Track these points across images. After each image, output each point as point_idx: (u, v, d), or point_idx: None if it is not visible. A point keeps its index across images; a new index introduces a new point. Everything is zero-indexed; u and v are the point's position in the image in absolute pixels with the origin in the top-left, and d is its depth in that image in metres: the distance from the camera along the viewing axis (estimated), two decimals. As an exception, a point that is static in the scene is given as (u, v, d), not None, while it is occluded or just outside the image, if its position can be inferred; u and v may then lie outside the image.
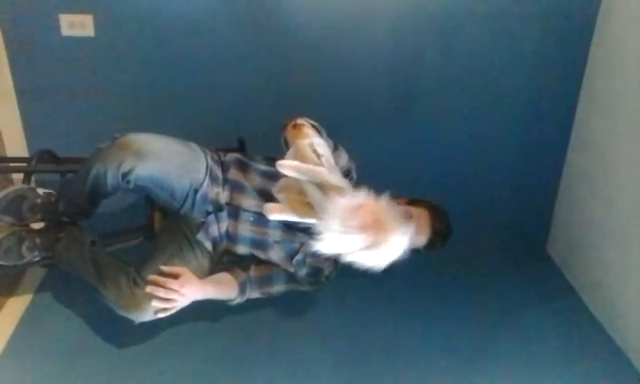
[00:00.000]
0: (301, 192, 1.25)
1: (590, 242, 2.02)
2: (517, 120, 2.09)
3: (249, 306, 1.63)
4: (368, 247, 1.08)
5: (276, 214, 1.30)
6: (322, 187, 1.18)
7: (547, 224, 2.30)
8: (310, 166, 1.21)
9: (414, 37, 1.95)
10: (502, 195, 2.22)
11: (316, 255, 1.63)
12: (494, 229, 2.27)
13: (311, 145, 1.30)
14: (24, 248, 1.57)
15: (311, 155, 1.26)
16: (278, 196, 1.31)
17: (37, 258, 1.60)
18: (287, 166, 1.21)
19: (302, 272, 1.64)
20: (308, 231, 1.62)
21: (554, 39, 1.97)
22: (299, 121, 1.44)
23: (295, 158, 1.27)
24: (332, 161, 1.33)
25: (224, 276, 1.60)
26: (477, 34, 1.95)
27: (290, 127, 1.44)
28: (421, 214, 1.58)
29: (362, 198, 1.10)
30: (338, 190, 1.15)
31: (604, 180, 1.93)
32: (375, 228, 1.07)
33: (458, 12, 1.91)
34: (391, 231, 1.08)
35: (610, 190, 1.89)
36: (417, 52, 1.97)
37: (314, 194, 1.18)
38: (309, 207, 1.22)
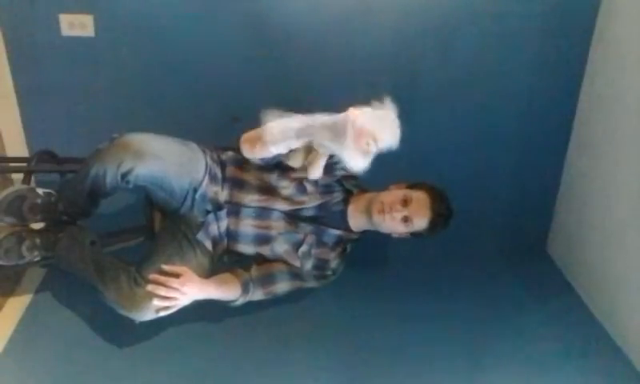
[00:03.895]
0: (308, 151, 1.51)
1: (590, 241, 2.02)
2: (517, 120, 2.09)
3: (249, 306, 1.63)
4: (378, 146, 1.34)
5: (317, 170, 1.54)
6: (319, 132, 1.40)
7: (547, 224, 2.29)
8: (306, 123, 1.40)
9: (413, 37, 1.95)
10: (502, 195, 2.22)
11: (321, 244, 1.64)
12: (494, 229, 2.27)
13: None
14: (24, 248, 1.57)
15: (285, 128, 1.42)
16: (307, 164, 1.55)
17: (37, 258, 1.60)
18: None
19: (308, 265, 1.63)
20: (311, 221, 1.62)
21: (553, 39, 1.97)
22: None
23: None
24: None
25: (226, 276, 1.60)
26: (477, 33, 1.95)
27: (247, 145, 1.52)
28: (420, 197, 1.58)
29: (347, 116, 1.33)
30: (325, 128, 1.37)
31: (604, 180, 1.93)
32: (370, 137, 1.32)
33: (457, 12, 1.91)
34: (379, 127, 1.34)
35: (610, 190, 1.89)
36: (416, 52, 1.97)
37: (319, 145, 1.42)
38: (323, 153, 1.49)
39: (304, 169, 1.56)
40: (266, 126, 1.44)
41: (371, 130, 1.32)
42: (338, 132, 1.34)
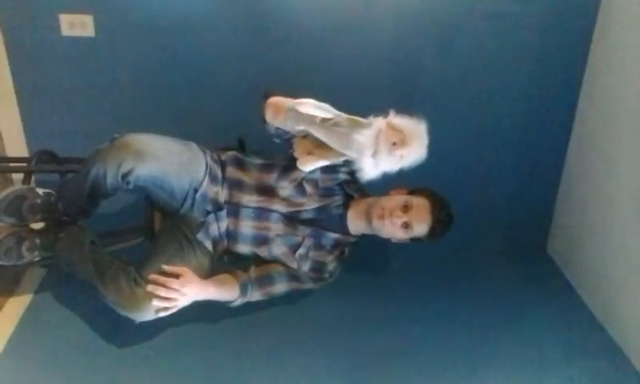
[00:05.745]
0: (316, 144, 1.43)
1: (590, 242, 2.02)
2: (517, 120, 2.09)
3: (249, 306, 1.63)
4: (403, 155, 1.36)
5: (310, 164, 1.46)
6: (335, 127, 1.37)
7: (547, 224, 2.29)
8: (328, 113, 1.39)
9: (414, 37, 1.95)
10: (502, 195, 2.22)
11: (319, 247, 1.63)
12: (494, 229, 2.27)
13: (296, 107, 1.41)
14: (24, 248, 1.57)
15: (312, 111, 1.40)
16: (303, 157, 1.48)
17: (37, 258, 1.60)
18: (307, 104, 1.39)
19: (305, 267, 1.63)
20: (310, 223, 1.62)
21: (554, 39, 1.97)
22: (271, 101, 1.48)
23: (300, 121, 1.40)
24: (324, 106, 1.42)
25: (224, 277, 1.60)
26: (477, 33, 1.95)
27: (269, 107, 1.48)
28: (420, 203, 1.58)
29: (378, 122, 1.34)
30: (356, 123, 1.36)
31: (604, 180, 1.93)
32: (401, 138, 1.34)
33: (458, 12, 1.91)
34: (412, 133, 1.36)
35: (610, 190, 1.89)
36: (417, 52, 1.97)
37: (337, 135, 1.37)
38: (330, 150, 1.41)
39: (299, 157, 1.50)
40: (297, 102, 1.41)
41: (403, 131, 1.34)
42: (364, 126, 1.34)
